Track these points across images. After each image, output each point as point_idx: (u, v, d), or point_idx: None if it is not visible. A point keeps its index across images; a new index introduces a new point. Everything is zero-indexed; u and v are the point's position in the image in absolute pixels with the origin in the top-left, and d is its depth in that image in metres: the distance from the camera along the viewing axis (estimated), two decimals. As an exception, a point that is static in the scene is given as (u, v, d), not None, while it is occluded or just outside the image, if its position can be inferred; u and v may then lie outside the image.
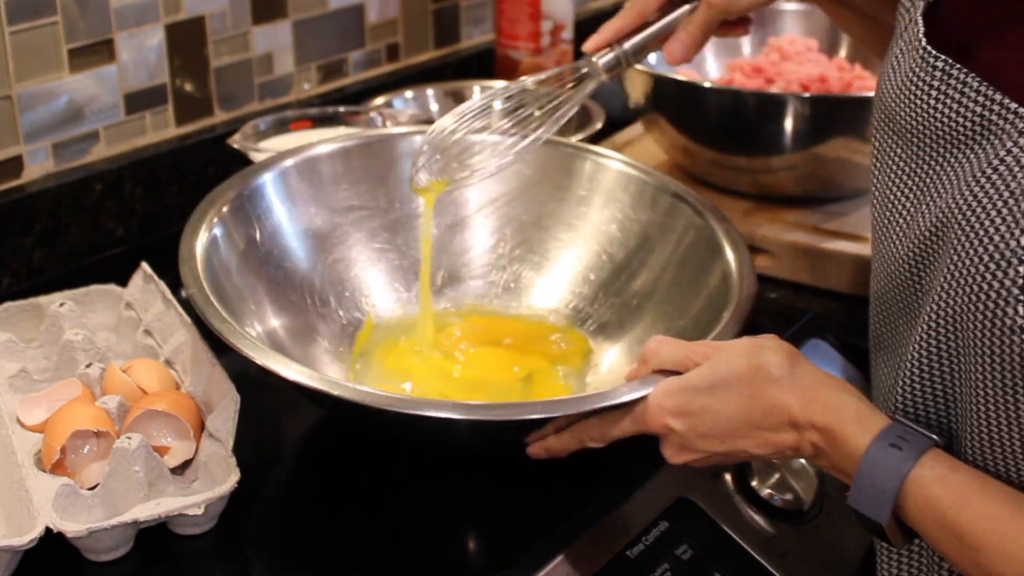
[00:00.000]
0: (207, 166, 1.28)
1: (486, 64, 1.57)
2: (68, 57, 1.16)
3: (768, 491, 0.92)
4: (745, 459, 0.78)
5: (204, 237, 0.94)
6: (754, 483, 0.92)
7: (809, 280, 1.16)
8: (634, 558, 0.83)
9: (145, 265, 1.01)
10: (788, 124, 1.18)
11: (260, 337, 0.90)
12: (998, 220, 0.66)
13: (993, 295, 0.65)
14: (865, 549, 0.95)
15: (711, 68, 1.57)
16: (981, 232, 0.66)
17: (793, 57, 1.48)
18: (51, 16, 1.14)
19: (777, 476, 0.94)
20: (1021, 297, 0.64)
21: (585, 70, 0.98)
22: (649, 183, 1.06)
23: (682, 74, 1.45)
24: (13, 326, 1.00)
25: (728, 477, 0.92)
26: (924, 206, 0.74)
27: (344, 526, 0.83)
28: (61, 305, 0.97)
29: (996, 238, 0.65)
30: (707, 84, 1.38)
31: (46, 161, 1.18)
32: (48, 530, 0.76)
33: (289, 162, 1.04)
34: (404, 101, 1.40)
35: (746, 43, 1.59)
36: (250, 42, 1.33)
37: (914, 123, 0.75)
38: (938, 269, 0.71)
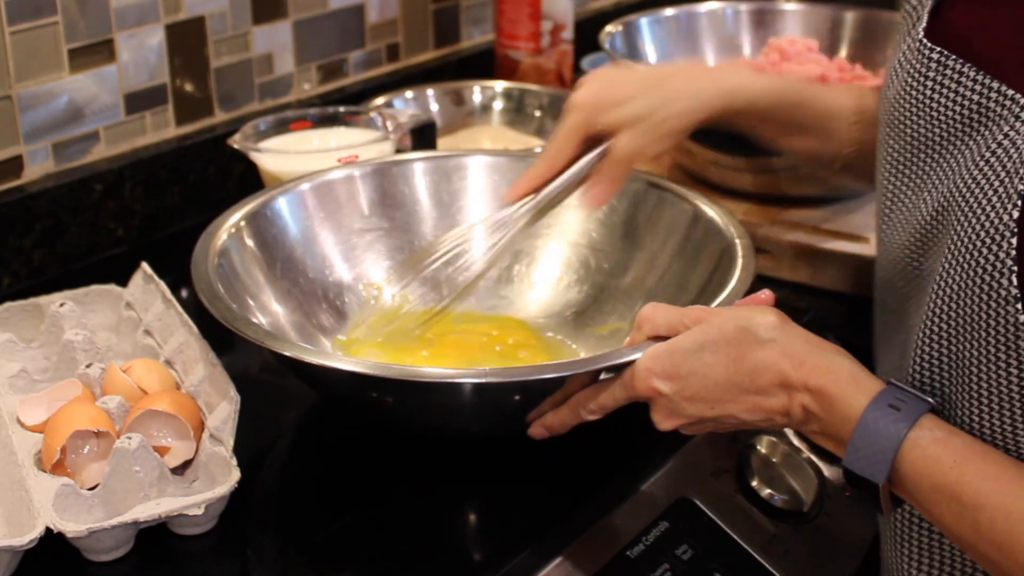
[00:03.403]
0: (207, 166, 1.28)
1: (486, 64, 1.58)
2: (68, 57, 1.16)
3: (768, 491, 0.92)
4: (738, 426, 0.77)
5: (217, 245, 0.95)
6: (754, 483, 0.92)
7: (809, 280, 1.16)
8: (634, 558, 0.83)
9: (145, 265, 1.01)
10: (788, 124, 1.18)
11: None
12: (994, 198, 0.68)
13: (989, 267, 0.67)
14: (865, 549, 0.95)
15: (711, 68, 1.57)
16: (979, 210, 0.69)
17: (793, 57, 1.48)
18: (51, 16, 1.14)
19: (777, 476, 0.94)
20: (1014, 268, 0.66)
21: (504, 218, 1.01)
22: (630, 183, 1.07)
23: (682, 74, 1.45)
24: (13, 326, 0.99)
25: (728, 477, 0.92)
26: (926, 193, 0.76)
27: (343, 526, 0.83)
28: (61, 305, 0.97)
29: (992, 214, 0.68)
30: (707, 84, 1.37)
31: (46, 161, 1.18)
32: (48, 530, 0.76)
33: (305, 185, 1.06)
34: (404, 101, 1.40)
35: (746, 43, 1.59)
36: (250, 42, 1.33)
37: (915, 115, 0.77)
38: (939, 252, 0.73)
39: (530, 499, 0.86)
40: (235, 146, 1.17)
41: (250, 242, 0.99)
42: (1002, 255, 0.67)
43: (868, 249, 1.14)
